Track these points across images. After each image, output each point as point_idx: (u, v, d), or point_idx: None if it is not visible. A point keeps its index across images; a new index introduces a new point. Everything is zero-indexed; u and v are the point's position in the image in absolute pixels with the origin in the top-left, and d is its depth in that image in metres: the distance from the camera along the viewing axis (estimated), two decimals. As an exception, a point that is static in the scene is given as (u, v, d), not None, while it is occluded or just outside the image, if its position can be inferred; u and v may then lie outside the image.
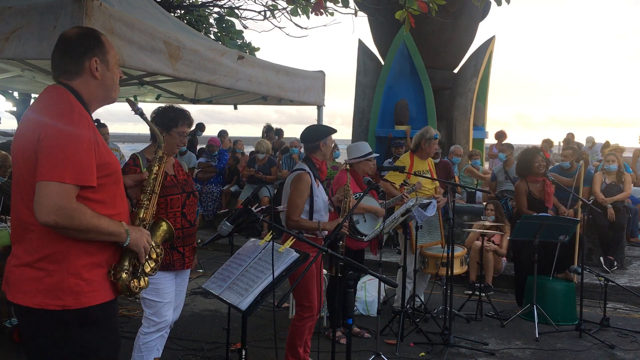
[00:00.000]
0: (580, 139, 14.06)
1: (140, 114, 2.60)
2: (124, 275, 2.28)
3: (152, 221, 2.52)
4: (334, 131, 4.52)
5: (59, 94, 2.25)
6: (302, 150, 10.89)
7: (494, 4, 7.16)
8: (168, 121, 3.63)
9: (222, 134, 13.44)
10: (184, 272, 3.86)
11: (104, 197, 2.23)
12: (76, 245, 2.16)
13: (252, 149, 10.70)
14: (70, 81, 2.29)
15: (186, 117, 3.72)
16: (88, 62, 2.28)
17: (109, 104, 2.45)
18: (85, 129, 2.15)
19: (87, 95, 2.30)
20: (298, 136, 13.30)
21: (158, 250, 2.47)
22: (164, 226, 2.58)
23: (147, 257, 2.37)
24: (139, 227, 2.39)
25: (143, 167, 3.51)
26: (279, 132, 14.03)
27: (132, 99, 6.93)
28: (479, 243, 6.78)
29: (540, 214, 6.11)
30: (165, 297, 3.64)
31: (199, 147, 12.79)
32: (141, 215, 2.46)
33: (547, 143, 12.54)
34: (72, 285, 2.15)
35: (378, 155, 5.74)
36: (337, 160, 10.35)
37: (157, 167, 2.60)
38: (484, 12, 11.89)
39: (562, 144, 14.62)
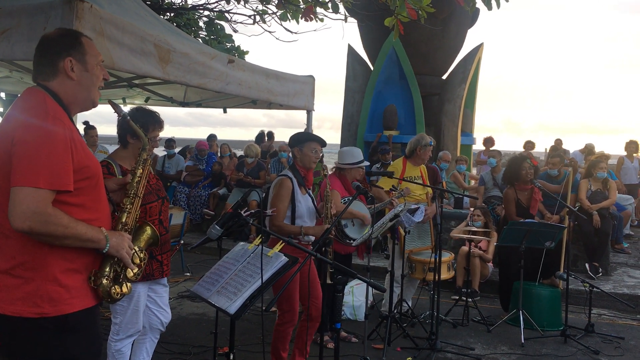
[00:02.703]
0: (567, 146, 14.13)
1: (124, 116, 2.57)
2: (104, 281, 2.24)
3: (137, 225, 2.48)
4: (316, 139, 4.43)
5: (35, 96, 2.20)
6: (291, 155, 10.93)
7: (483, 10, 7.23)
8: (129, 126, 3.52)
9: (211, 138, 13.41)
10: (162, 279, 3.79)
11: (83, 200, 2.18)
12: (54, 252, 2.11)
13: (242, 152, 10.71)
14: (47, 82, 2.24)
15: (157, 120, 3.58)
16: (62, 62, 2.23)
17: (89, 107, 2.38)
18: (61, 132, 2.10)
19: (66, 96, 2.25)
20: (287, 140, 13.38)
21: (142, 255, 2.42)
22: (148, 231, 2.53)
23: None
24: (120, 232, 2.34)
25: (118, 174, 3.39)
26: (270, 134, 14.07)
27: (120, 101, 6.92)
28: (465, 248, 6.82)
29: (527, 220, 6.16)
30: (138, 304, 3.57)
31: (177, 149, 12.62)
32: (123, 220, 2.41)
33: (529, 144, 12.63)
34: (50, 292, 2.11)
35: (369, 164, 5.77)
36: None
37: (141, 170, 2.56)
38: (472, 19, 11.99)
39: (548, 150, 14.70)
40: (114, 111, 2.65)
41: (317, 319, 4.39)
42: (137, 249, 2.39)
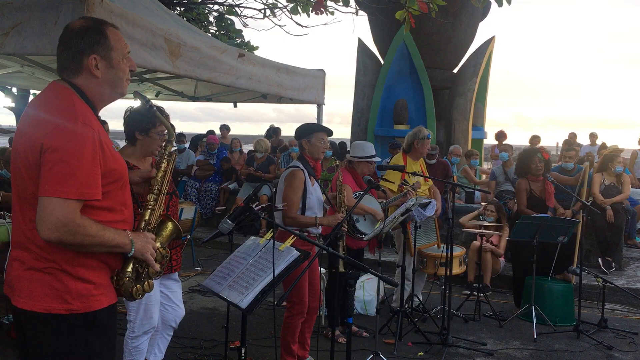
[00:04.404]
0: (579, 140, 14.07)
1: (150, 106, 2.52)
2: (126, 281, 2.23)
3: (160, 220, 2.43)
4: (323, 129, 4.45)
5: (63, 96, 2.16)
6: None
7: (494, 5, 7.18)
8: (145, 123, 3.46)
9: (224, 127, 13.46)
10: (172, 274, 3.81)
11: (110, 204, 2.17)
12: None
13: (252, 147, 10.71)
14: (73, 78, 2.20)
15: (167, 115, 3.52)
16: (86, 60, 2.17)
17: (118, 98, 2.36)
18: (90, 139, 2.07)
19: (91, 93, 2.22)
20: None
21: (164, 252, 2.38)
22: (169, 226, 2.47)
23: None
24: (144, 232, 2.31)
25: None
26: (277, 130, 14.05)
27: (130, 96, 6.93)
28: (477, 243, 6.79)
29: (540, 215, 6.12)
30: (150, 299, 3.56)
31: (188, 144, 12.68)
32: (147, 218, 2.36)
33: (535, 139, 12.56)
34: (80, 289, 2.10)
35: (380, 160, 5.73)
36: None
37: (166, 164, 2.49)
38: (484, 12, 11.90)
39: (559, 144, 14.63)
40: (139, 102, 2.59)
41: (315, 310, 4.40)
42: (159, 245, 2.36)
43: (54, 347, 2.13)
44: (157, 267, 2.32)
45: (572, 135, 13.71)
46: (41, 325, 2.12)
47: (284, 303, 5.82)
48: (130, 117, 3.55)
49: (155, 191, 2.43)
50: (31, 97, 8.60)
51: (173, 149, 2.62)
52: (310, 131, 4.38)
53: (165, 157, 2.51)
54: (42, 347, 2.15)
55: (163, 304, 3.75)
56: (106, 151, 2.14)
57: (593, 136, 13.78)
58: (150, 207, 2.39)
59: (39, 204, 2.02)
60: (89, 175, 2.05)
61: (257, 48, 10.98)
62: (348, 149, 7.94)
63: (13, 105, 9.41)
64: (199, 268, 7.78)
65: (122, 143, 7.62)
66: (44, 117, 2.12)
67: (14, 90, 8.73)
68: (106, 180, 2.13)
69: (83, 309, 2.11)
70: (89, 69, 2.19)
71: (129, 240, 2.19)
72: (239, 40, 10.87)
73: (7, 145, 9.19)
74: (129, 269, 2.24)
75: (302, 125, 4.50)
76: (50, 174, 2.01)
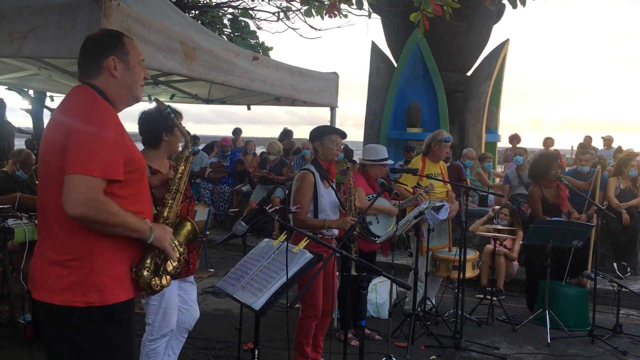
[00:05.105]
0: (594, 143, 13.94)
1: (167, 113, 2.62)
2: (145, 273, 2.30)
3: (178, 220, 2.54)
4: (336, 131, 4.45)
5: (85, 93, 2.29)
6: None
7: (508, 7, 7.15)
8: (171, 122, 3.55)
9: (237, 131, 13.52)
10: (189, 277, 3.86)
11: (129, 193, 2.26)
12: (102, 243, 2.18)
13: (264, 149, 10.74)
14: (93, 80, 2.33)
15: (181, 115, 3.61)
16: (105, 61, 2.31)
17: (133, 103, 2.47)
18: (112, 124, 2.19)
19: (110, 94, 2.33)
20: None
21: (181, 249, 2.48)
22: (188, 226, 2.57)
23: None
24: (163, 225, 2.41)
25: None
26: (289, 133, 14.08)
27: (146, 98, 6.99)
28: (490, 247, 6.75)
29: (554, 219, 6.07)
30: (170, 302, 3.61)
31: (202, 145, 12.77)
32: (165, 214, 2.47)
33: (549, 141, 12.47)
34: (96, 282, 2.17)
35: (393, 162, 5.73)
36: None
37: (183, 167, 2.62)
38: (498, 14, 11.83)
39: (574, 148, 14.49)
40: (158, 108, 2.69)
41: (329, 313, 4.40)
42: (177, 243, 2.44)
43: (73, 339, 2.20)
44: (175, 258, 2.39)
45: (588, 139, 13.60)
46: (59, 318, 2.18)
47: (297, 305, 5.84)
48: (150, 121, 3.60)
49: (172, 190, 2.54)
50: (47, 100, 8.70)
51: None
52: (323, 133, 4.39)
53: (183, 160, 2.63)
54: (60, 340, 2.22)
55: (179, 306, 3.78)
56: (127, 140, 2.25)
57: (608, 139, 13.65)
58: (168, 204, 2.50)
59: (65, 182, 2.10)
60: (111, 156, 2.15)
61: (271, 48, 10.99)
62: (353, 151, 7.95)
63: (30, 107, 9.51)
64: (212, 270, 7.82)
65: (137, 145, 7.63)
66: (67, 113, 2.24)
67: (31, 92, 8.83)
68: (127, 168, 2.22)
69: (100, 302, 2.17)
70: (109, 70, 2.32)
71: (148, 227, 2.27)
72: (253, 42, 10.90)
73: (24, 147, 9.28)
74: (147, 261, 2.31)
75: (315, 128, 4.52)
76: (75, 153, 2.11)
